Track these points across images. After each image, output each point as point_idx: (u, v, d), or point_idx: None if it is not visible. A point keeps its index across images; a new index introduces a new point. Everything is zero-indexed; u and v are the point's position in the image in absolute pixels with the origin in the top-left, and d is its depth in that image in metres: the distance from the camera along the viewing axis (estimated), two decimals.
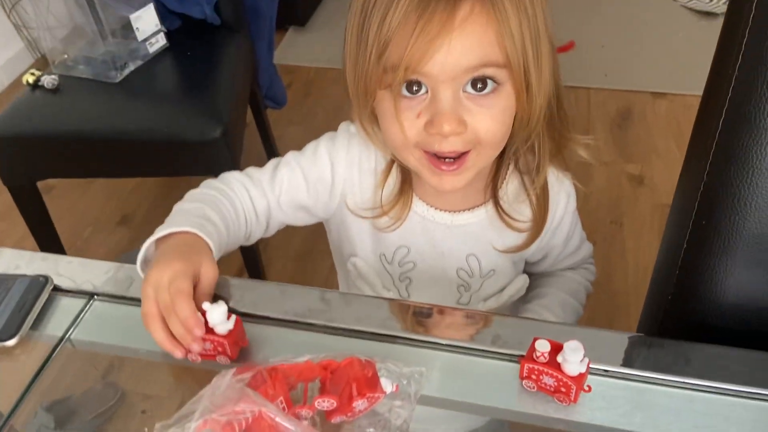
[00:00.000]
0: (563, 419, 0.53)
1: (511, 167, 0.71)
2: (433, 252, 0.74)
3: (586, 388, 0.53)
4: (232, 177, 0.74)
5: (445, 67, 0.56)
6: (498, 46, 0.56)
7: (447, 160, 0.61)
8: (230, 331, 0.55)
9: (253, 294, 0.64)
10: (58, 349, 0.60)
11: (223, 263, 0.63)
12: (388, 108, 0.60)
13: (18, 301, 0.62)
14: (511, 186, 0.72)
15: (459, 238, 0.73)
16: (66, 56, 1.44)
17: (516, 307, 0.80)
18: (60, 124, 1.33)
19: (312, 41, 2.57)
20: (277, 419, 0.47)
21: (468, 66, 0.56)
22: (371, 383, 0.51)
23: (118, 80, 1.39)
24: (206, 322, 0.55)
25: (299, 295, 0.64)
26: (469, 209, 0.73)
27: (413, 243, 0.74)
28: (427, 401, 0.54)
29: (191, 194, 0.71)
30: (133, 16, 1.41)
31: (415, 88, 0.58)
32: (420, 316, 0.61)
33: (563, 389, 0.52)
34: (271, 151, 1.90)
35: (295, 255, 1.73)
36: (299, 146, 0.75)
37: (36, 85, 1.38)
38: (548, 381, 0.53)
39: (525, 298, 0.80)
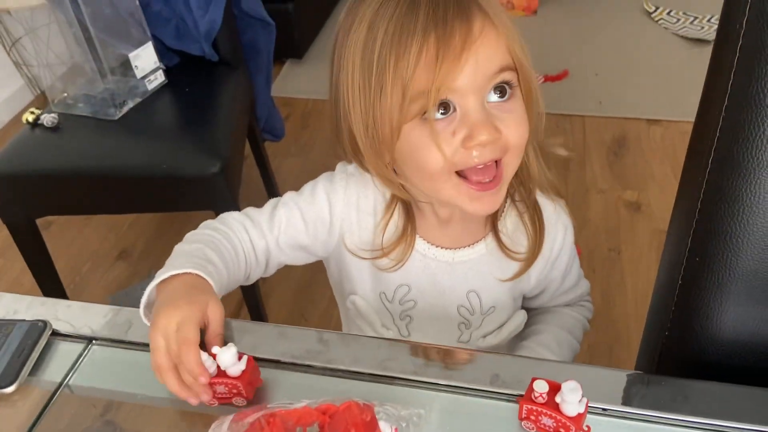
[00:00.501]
0: None
1: (509, 201, 0.72)
2: (434, 290, 0.75)
3: (585, 429, 0.53)
4: (231, 218, 0.74)
5: (474, 79, 0.58)
6: (508, 51, 0.59)
7: (485, 181, 0.62)
8: (243, 372, 0.56)
9: (251, 336, 0.64)
10: (56, 395, 0.60)
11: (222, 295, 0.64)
12: (420, 136, 0.60)
13: (17, 347, 0.62)
14: (509, 218, 0.73)
15: (460, 274, 0.74)
16: (65, 94, 1.46)
17: (513, 344, 0.80)
18: (59, 161, 1.34)
19: (309, 73, 2.60)
20: None
21: (491, 73, 0.58)
22: (370, 427, 0.51)
23: (117, 117, 1.40)
24: (218, 366, 0.55)
25: (297, 336, 0.64)
26: (469, 245, 0.73)
27: (414, 281, 0.74)
28: None
29: (191, 236, 0.71)
30: (131, 55, 1.43)
31: (442, 109, 0.59)
32: (418, 357, 0.61)
33: (562, 430, 0.52)
34: (270, 183, 1.92)
35: (295, 286, 1.74)
36: (298, 177, 0.76)
37: (35, 124, 1.39)
38: (547, 422, 0.53)
39: (522, 335, 0.80)
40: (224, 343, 0.58)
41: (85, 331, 0.65)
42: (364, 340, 0.65)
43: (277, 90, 2.19)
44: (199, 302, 0.58)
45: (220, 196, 1.33)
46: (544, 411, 0.52)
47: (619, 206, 1.93)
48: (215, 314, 0.59)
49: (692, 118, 0.61)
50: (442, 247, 0.73)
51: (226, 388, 0.56)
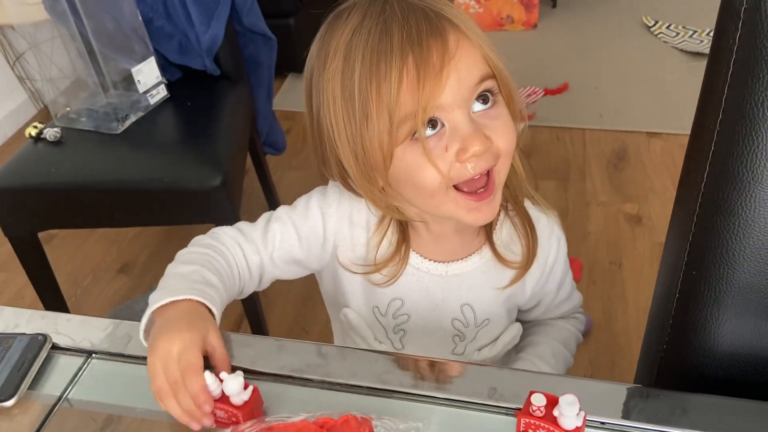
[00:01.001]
0: None
1: (503, 212, 0.73)
2: (428, 303, 0.75)
3: None
4: (223, 233, 0.73)
5: (457, 93, 0.58)
6: (485, 60, 0.60)
7: (479, 191, 0.62)
8: (245, 403, 0.55)
9: (249, 349, 0.64)
10: (56, 409, 0.60)
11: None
12: (414, 156, 0.60)
13: (17, 360, 0.62)
14: (504, 228, 0.73)
15: (454, 287, 0.74)
16: (68, 109, 1.47)
17: (509, 356, 0.80)
18: (62, 176, 1.34)
19: None
20: None
21: (473, 84, 0.59)
22: None
23: (119, 131, 1.41)
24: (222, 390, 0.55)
25: (295, 350, 0.64)
26: (463, 258, 0.73)
27: (407, 295, 0.74)
28: None
29: (184, 255, 0.70)
30: (134, 69, 1.44)
31: (431, 126, 0.60)
32: (417, 370, 0.61)
33: None
34: (271, 196, 1.92)
35: (295, 298, 1.74)
36: (299, 190, 0.76)
37: (38, 138, 1.40)
38: None
39: (517, 347, 0.80)
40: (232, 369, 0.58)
41: (85, 345, 0.65)
42: (362, 353, 0.65)
43: (278, 104, 2.21)
44: (200, 328, 0.58)
45: (221, 210, 1.33)
46: (542, 425, 0.52)
47: (619, 219, 1.93)
48: (217, 340, 0.59)
49: None
50: (435, 261, 0.73)
51: (226, 415, 0.56)
